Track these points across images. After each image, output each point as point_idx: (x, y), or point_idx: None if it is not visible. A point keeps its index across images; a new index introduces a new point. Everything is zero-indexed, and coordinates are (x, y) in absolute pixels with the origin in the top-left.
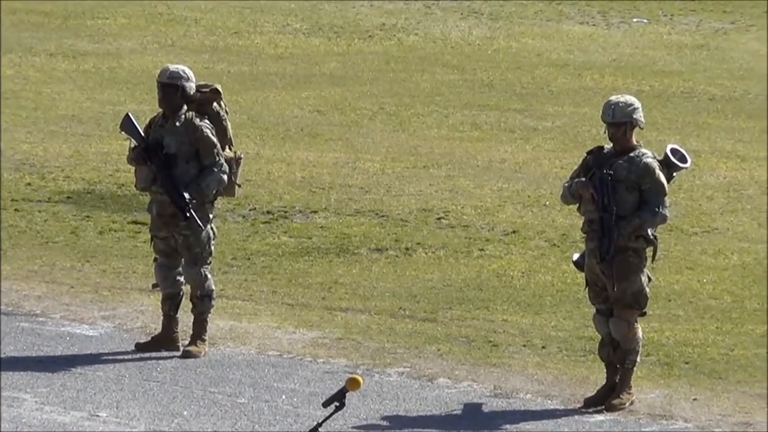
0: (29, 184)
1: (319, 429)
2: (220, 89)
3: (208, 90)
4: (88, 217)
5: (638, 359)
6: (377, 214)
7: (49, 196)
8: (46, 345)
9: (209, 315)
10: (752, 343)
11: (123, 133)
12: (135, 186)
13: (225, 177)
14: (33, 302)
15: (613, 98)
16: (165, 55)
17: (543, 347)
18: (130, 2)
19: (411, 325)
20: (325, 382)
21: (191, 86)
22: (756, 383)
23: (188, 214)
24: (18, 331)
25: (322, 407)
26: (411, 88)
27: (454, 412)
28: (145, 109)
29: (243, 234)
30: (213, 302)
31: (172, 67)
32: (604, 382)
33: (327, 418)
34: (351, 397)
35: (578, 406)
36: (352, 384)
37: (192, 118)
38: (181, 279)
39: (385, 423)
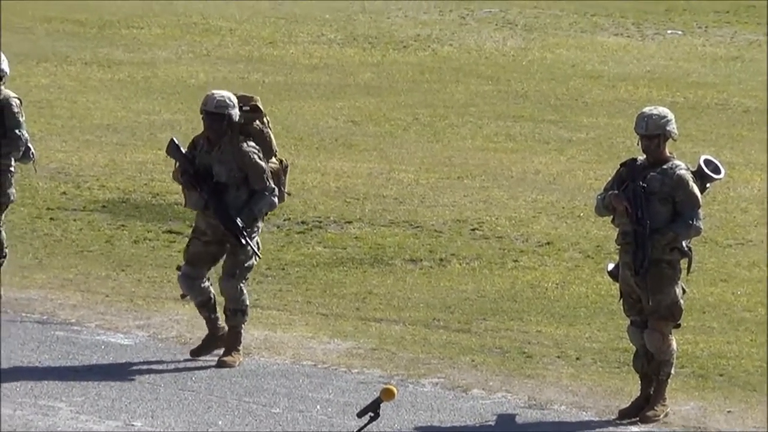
0: (64, 193)
1: None
2: (260, 105)
3: (248, 109)
4: (123, 226)
5: (672, 371)
6: (411, 224)
7: (84, 205)
8: (81, 354)
9: (243, 327)
10: None
11: (169, 157)
12: (184, 205)
13: (276, 200)
14: (68, 311)
15: (647, 110)
16: (200, 65)
17: (577, 358)
18: (165, 12)
19: (445, 335)
20: (359, 392)
21: (237, 113)
22: None
23: (243, 241)
24: (53, 339)
25: (356, 417)
26: (445, 99)
27: (488, 423)
28: (180, 119)
29: (278, 244)
30: (246, 317)
31: (218, 95)
32: (638, 394)
33: (361, 428)
34: (385, 408)
35: (612, 417)
36: (387, 394)
37: (239, 144)
38: (207, 284)
39: None
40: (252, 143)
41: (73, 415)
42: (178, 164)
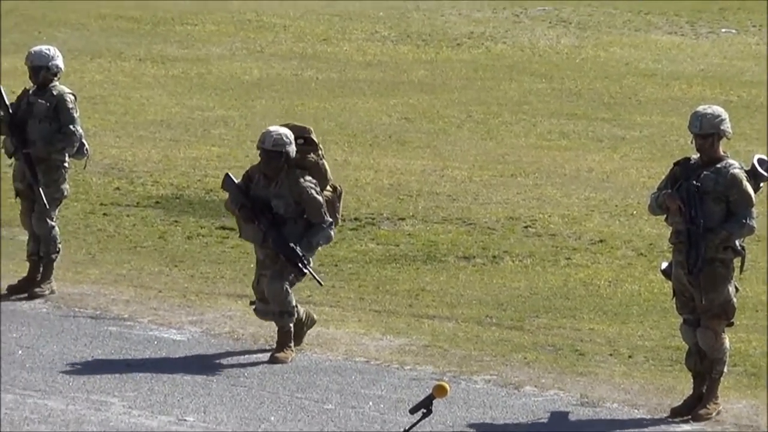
0: (118, 188)
1: None
2: (314, 137)
3: (303, 141)
4: (176, 221)
5: (725, 369)
6: (464, 221)
7: (137, 200)
8: (134, 349)
9: (291, 326)
10: None
11: (225, 191)
12: (239, 236)
13: (332, 233)
14: (121, 306)
15: (701, 109)
16: (253, 62)
17: (630, 356)
18: (219, 9)
19: (498, 332)
20: (412, 389)
21: (293, 149)
22: None
23: (306, 270)
24: (106, 335)
25: (409, 414)
26: (499, 97)
27: (541, 421)
28: (233, 115)
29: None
30: (292, 318)
31: (275, 133)
32: (690, 392)
33: (414, 424)
34: (438, 405)
35: (665, 415)
36: (439, 391)
37: (296, 179)
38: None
39: (471, 430)
40: (309, 177)
41: (125, 410)
42: (230, 197)
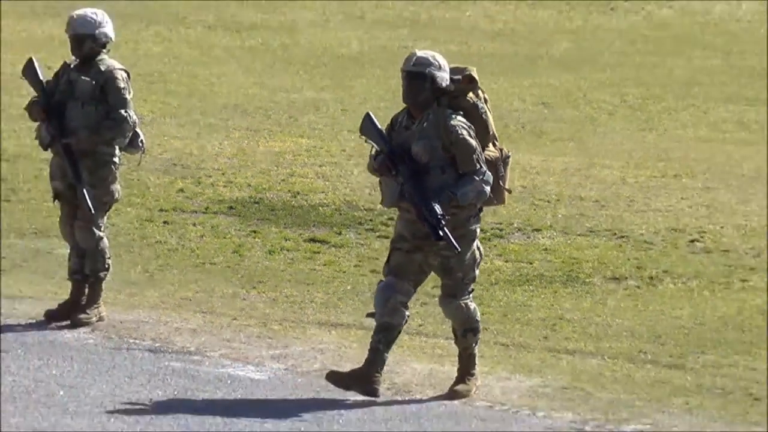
0: (182, 190)
1: None
2: (475, 75)
3: (460, 78)
4: (254, 232)
5: None
6: (615, 234)
7: (206, 205)
8: (203, 390)
9: (475, 349)
10: None
11: (363, 137)
12: (381, 203)
13: (487, 188)
14: (187, 337)
15: None
16: (352, 30)
17: None
18: None
19: (653, 372)
20: None
21: (444, 76)
22: None
23: (441, 233)
24: (168, 372)
25: None
26: (661, 77)
27: None
28: (326, 98)
29: None
30: (478, 336)
31: (420, 52)
32: None
33: None
34: None
35: None
36: None
37: (445, 117)
38: (405, 310)
39: None
40: (462, 118)
41: None
42: (372, 147)
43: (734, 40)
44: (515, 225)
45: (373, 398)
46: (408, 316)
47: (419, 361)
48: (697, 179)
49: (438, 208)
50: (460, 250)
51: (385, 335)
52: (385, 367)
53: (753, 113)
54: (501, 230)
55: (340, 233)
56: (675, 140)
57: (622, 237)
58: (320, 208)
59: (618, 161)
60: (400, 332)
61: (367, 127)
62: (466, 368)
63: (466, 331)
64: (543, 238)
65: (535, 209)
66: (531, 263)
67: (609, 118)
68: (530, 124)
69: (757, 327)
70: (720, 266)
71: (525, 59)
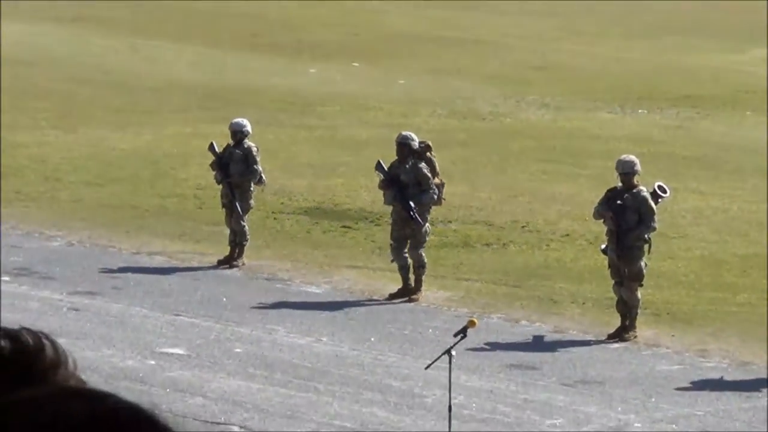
0: (282, 203)
1: None
2: (430, 145)
3: (424, 146)
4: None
5: None
6: None
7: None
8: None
9: (423, 277)
10: None
11: (376, 172)
12: (384, 202)
13: (435, 196)
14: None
15: None
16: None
17: None
18: (344, 94)
19: None
20: None
21: (415, 144)
22: None
23: (412, 217)
24: (276, 290)
25: None
26: None
27: None
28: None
29: None
30: (424, 269)
31: (404, 133)
32: None
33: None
34: None
35: None
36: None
37: (415, 162)
38: (406, 256)
39: None
40: (423, 164)
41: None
42: (380, 176)
43: None
44: None
45: None
46: (407, 257)
47: None
48: None
49: (411, 205)
50: (421, 223)
51: (404, 269)
52: None
53: None
54: None
55: (353, 227)
56: None
57: None
58: (349, 211)
59: None
60: (409, 265)
61: (378, 166)
62: (417, 286)
63: (418, 267)
64: None
65: None
66: None
67: None
68: None
69: None
70: None
71: None
